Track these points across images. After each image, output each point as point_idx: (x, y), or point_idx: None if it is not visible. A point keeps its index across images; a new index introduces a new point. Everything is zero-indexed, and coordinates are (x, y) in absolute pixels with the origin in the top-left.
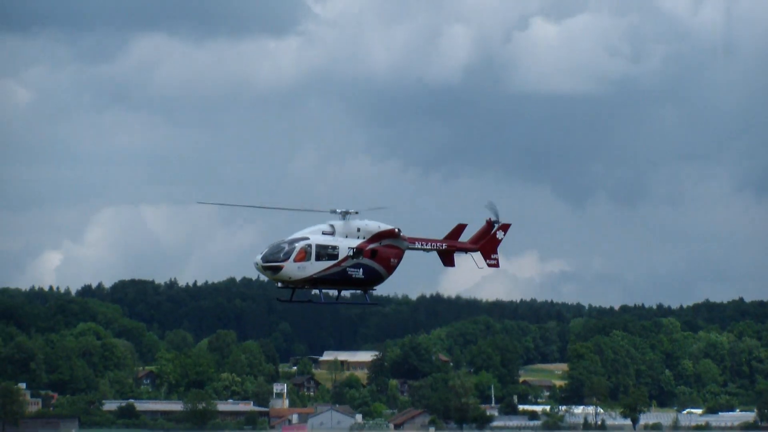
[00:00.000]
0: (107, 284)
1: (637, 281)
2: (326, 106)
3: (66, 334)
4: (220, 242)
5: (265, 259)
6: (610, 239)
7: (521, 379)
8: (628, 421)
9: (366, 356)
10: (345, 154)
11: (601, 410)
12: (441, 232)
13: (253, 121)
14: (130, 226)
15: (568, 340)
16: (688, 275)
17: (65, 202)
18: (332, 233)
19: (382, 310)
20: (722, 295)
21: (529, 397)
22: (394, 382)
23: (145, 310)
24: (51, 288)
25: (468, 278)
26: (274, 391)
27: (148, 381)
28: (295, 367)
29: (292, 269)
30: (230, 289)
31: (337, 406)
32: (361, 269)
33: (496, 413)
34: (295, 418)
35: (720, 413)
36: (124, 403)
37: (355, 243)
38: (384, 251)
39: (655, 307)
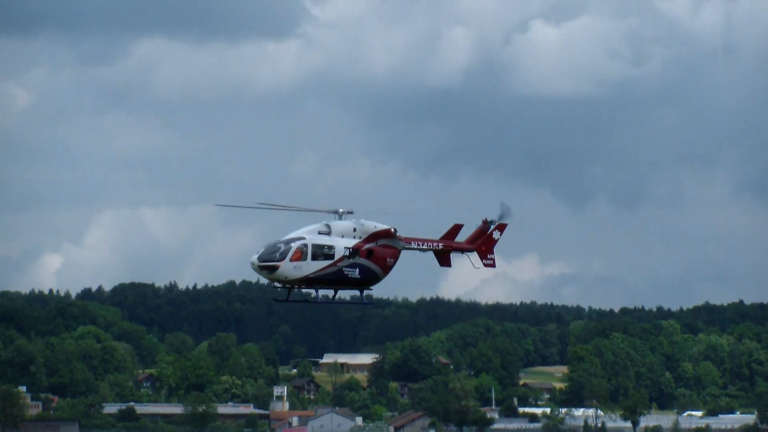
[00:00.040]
0: (107, 287)
1: (637, 283)
2: (326, 108)
3: (66, 337)
4: (220, 245)
5: (261, 258)
6: (610, 241)
7: (521, 382)
8: (629, 424)
9: (366, 359)
10: (344, 156)
11: (601, 413)
12: (441, 233)
13: (252, 123)
14: (130, 229)
15: (568, 343)
16: (688, 277)
17: (65, 204)
18: (328, 233)
19: (382, 312)
20: (722, 297)
21: (530, 400)
22: (394, 384)
23: (145, 313)
24: (51, 291)
25: (468, 281)
26: (274, 393)
27: (148, 384)
28: (295, 370)
29: (288, 269)
30: (230, 291)
31: (337, 408)
32: (357, 269)
33: (496, 416)
34: (295, 420)
35: (720, 416)
36: (124, 406)
37: (351, 243)
38: (380, 251)
39: (655, 309)
